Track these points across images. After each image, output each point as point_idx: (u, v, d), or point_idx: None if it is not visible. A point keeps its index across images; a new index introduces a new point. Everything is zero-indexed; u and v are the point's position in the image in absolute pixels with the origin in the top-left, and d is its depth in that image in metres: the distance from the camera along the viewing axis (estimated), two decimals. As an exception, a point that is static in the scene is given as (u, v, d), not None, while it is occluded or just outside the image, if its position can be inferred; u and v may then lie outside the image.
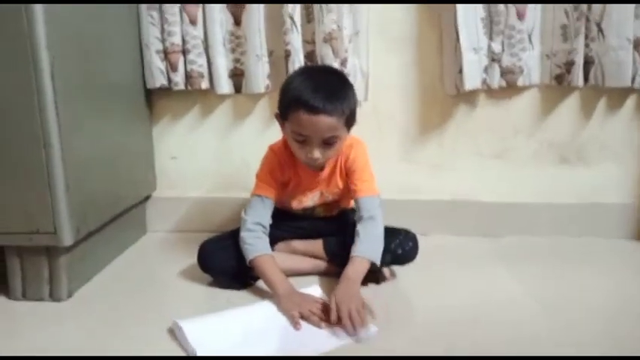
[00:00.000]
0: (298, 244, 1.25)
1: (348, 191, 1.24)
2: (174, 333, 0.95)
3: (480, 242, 1.46)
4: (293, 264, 1.21)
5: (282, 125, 1.13)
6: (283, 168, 1.18)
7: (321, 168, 1.18)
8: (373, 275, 1.16)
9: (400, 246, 1.16)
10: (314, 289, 1.11)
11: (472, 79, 1.36)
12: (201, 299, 1.13)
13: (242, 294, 1.12)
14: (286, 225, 1.25)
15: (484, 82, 1.38)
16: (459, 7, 1.33)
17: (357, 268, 1.07)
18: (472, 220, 1.50)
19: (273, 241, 1.20)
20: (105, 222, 1.26)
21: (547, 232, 1.49)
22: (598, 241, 1.46)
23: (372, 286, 1.16)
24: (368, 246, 1.10)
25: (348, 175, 1.19)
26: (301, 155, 1.10)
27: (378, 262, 1.11)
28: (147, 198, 1.55)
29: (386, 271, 1.19)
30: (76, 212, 1.10)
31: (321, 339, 0.93)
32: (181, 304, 1.12)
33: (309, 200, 1.24)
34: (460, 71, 1.35)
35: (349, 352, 0.90)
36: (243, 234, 1.12)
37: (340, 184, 1.21)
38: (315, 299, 1.03)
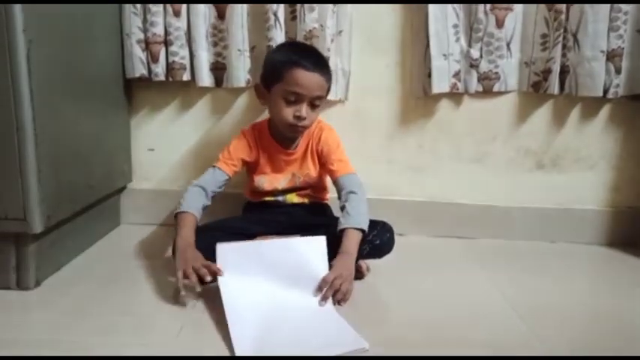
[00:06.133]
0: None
1: (320, 179, 1.29)
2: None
3: (455, 244, 1.48)
4: None
5: (266, 93, 1.20)
6: (250, 148, 1.26)
7: (293, 145, 1.25)
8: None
9: (378, 237, 1.17)
10: (319, 239, 1.08)
11: (440, 84, 1.40)
12: (173, 292, 1.10)
13: (215, 288, 1.10)
14: (263, 220, 1.25)
15: (454, 86, 1.41)
16: (431, 14, 1.36)
17: (352, 240, 1.11)
18: (448, 222, 1.52)
19: (251, 238, 1.20)
20: (77, 211, 1.24)
21: (521, 237, 1.52)
22: (571, 246, 1.49)
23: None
24: (357, 216, 1.14)
25: (321, 157, 1.26)
26: (288, 115, 1.16)
27: (367, 231, 1.13)
28: (122, 189, 1.53)
29: (363, 265, 1.19)
30: (48, 199, 1.07)
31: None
32: (152, 296, 1.09)
33: (280, 181, 1.28)
34: (429, 75, 1.39)
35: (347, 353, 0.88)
36: (185, 194, 1.19)
37: (312, 168, 1.27)
38: (203, 260, 1.03)
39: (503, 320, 1.03)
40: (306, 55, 1.17)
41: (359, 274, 1.18)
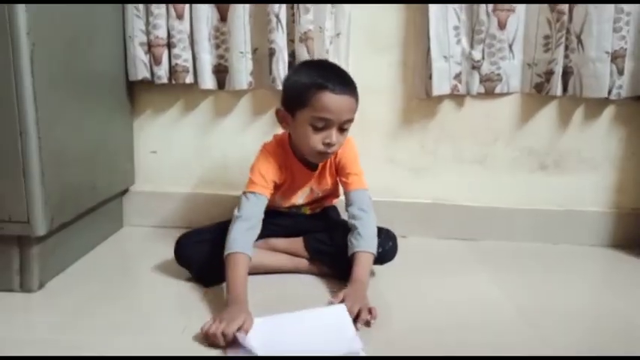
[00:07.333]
0: (278, 241, 1.23)
1: (335, 189, 1.27)
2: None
3: (458, 245, 1.48)
4: (273, 261, 1.21)
5: (289, 118, 1.10)
6: (281, 169, 1.17)
7: (315, 167, 1.19)
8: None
9: (381, 245, 1.16)
10: (340, 307, 0.98)
11: (441, 86, 1.40)
12: (176, 294, 1.11)
13: (217, 290, 1.11)
14: (268, 223, 1.24)
15: (454, 88, 1.41)
16: (432, 15, 1.36)
17: (364, 265, 1.09)
18: (451, 224, 1.52)
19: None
20: (81, 213, 1.24)
21: (524, 238, 1.51)
22: (574, 248, 1.48)
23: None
24: (369, 240, 1.12)
25: (337, 169, 1.21)
26: (316, 143, 1.07)
27: (376, 255, 1.12)
28: (125, 191, 1.53)
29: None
30: (51, 202, 1.08)
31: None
32: (156, 298, 1.10)
33: (298, 198, 1.24)
34: (430, 77, 1.39)
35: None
36: (233, 229, 1.07)
37: (330, 181, 1.23)
38: (242, 323, 0.89)
39: (507, 322, 1.02)
40: (331, 76, 1.06)
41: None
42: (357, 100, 1.10)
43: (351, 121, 1.09)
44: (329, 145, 1.07)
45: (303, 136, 1.09)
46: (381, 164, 1.52)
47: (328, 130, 1.06)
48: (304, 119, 1.07)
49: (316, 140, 1.07)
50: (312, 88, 1.05)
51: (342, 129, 1.09)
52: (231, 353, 0.85)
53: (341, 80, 1.07)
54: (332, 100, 1.04)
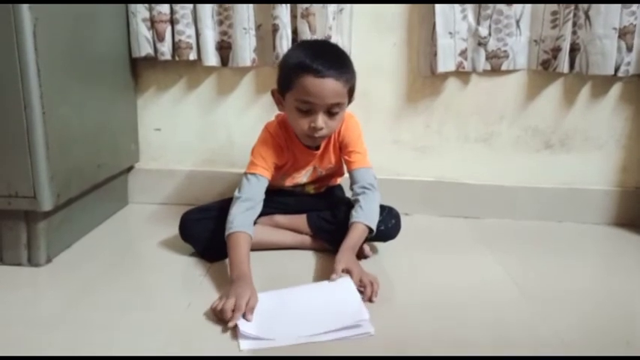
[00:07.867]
0: (282, 218, 1.24)
1: (339, 167, 1.26)
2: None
3: (461, 224, 1.48)
4: (276, 238, 1.22)
5: (282, 100, 1.10)
6: (282, 151, 1.16)
7: (317, 147, 1.18)
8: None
9: (383, 222, 1.16)
10: (345, 280, 1.00)
11: (446, 63, 1.38)
12: (181, 269, 1.13)
13: (221, 266, 1.12)
14: (272, 201, 1.24)
15: (460, 65, 1.39)
16: None
17: (358, 235, 1.10)
18: (455, 202, 1.52)
19: (258, 216, 1.20)
20: (86, 190, 1.25)
21: (528, 217, 1.51)
22: (578, 226, 1.49)
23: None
24: (368, 213, 1.12)
25: (341, 148, 1.20)
26: (304, 126, 1.06)
27: (375, 230, 1.13)
28: (129, 169, 1.54)
29: (366, 247, 1.19)
30: (57, 178, 1.09)
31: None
32: (161, 274, 1.11)
33: (302, 177, 1.24)
34: (435, 54, 1.37)
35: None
36: (233, 210, 1.08)
37: (333, 159, 1.22)
38: (248, 299, 0.89)
39: (509, 300, 1.03)
40: (318, 57, 1.02)
41: (362, 254, 1.19)
42: (346, 84, 1.04)
43: (339, 105, 1.05)
44: (314, 129, 1.05)
45: (292, 119, 1.09)
46: (386, 145, 1.51)
47: (314, 115, 1.04)
48: (291, 102, 1.06)
49: (303, 123, 1.06)
50: (296, 70, 1.02)
51: (331, 113, 1.06)
52: (242, 338, 0.84)
53: (329, 63, 1.02)
54: (313, 84, 1.01)
